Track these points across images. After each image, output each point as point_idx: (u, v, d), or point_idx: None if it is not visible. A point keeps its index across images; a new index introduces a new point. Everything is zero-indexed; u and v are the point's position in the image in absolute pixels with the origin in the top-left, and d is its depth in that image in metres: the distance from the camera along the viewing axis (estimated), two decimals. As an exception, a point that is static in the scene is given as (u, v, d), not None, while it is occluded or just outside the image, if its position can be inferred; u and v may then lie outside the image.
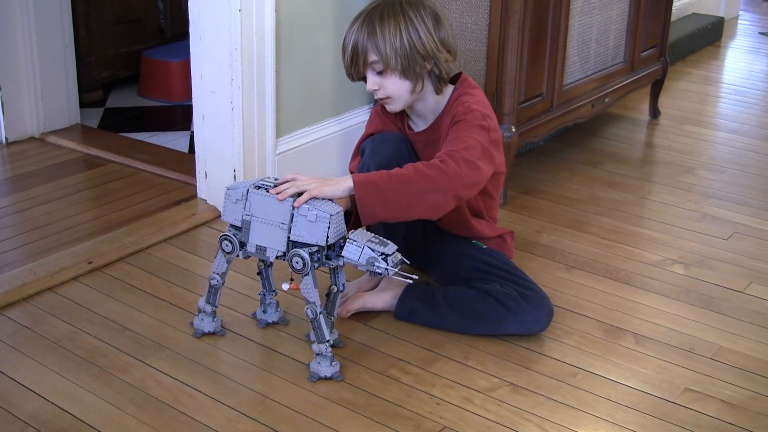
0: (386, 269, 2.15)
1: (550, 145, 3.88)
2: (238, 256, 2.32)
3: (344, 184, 2.23)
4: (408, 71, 2.35)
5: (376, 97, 2.43)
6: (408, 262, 2.26)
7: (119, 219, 3.06)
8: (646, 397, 2.25)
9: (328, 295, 2.33)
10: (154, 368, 2.29)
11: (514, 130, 3.17)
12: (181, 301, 2.59)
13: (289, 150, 3.18)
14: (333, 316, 2.33)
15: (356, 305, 2.52)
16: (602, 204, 3.33)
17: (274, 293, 2.47)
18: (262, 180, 2.31)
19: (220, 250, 2.34)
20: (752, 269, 2.89)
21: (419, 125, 2.52)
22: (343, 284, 2.32)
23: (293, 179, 2.26)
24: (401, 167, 2.26)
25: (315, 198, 2.21)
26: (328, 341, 2.24)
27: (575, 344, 2.46)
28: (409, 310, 2.48)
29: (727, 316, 2.62)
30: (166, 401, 2.17)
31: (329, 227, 2.18)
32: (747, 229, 3.16)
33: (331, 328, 2.30)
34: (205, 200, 3.17)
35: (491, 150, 2.36)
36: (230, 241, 2.30)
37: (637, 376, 2.33)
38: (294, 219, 2.21)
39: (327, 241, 2.19)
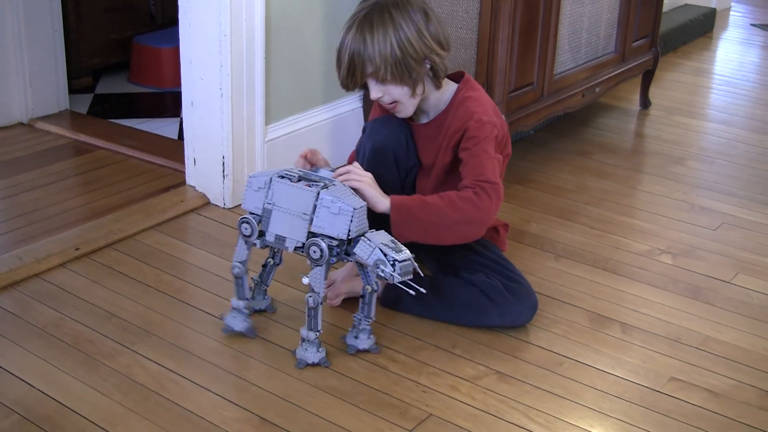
0: (392, 275, 2.13)
1: (541, 135, 3.88)
2: (255, 244, 2.30)
3: (384, 201, 2.30)
4: (405, 78, 2.35)
5: (382, 103, 2.43)
6: (422, 275, 2.24)
7: (107, 205, 3.05)
8: (632, 386, 2.26)
9: (362, 296, 2.30)
10: (141, 355, 2.29)
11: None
12: (169, 288, 2.59)
13: (278, 137, 3.18)
14: (371, 318, 2.31)
15: (345, 289, 2.52)
16: (592, 194, 3.33)
17: (266, 286, 2.46)
18: (285, 170, 2.29)
19: (240, 237, 2.31)
20: (740, 260, 2.89)
21: (421, 118, 2.52)
22: (376, 283, 2.28)
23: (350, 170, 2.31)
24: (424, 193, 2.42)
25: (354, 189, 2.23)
26: (318, 330, 2.23)
27: (562, 333, 2.46)
28: (396, 297, 2.48)
29: (713, 306, 2.63)
30: (151, 388, 2.17)
31: (351, 221, 2.16)
32: (735, 219, 3.17)
33: (368, 333, 2.33)
34: (194, 187, 3.16)
35: (502, 162, 2.46)
36: (249, 224, 2.28)
37: (623, 365, 2.34)
38: (316, 210, 2.19)
39: (348, 235, 2.17)
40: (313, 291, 2.22)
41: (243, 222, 2.29)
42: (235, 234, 2.89)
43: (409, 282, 2.17)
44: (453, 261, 2.52)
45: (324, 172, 2.33)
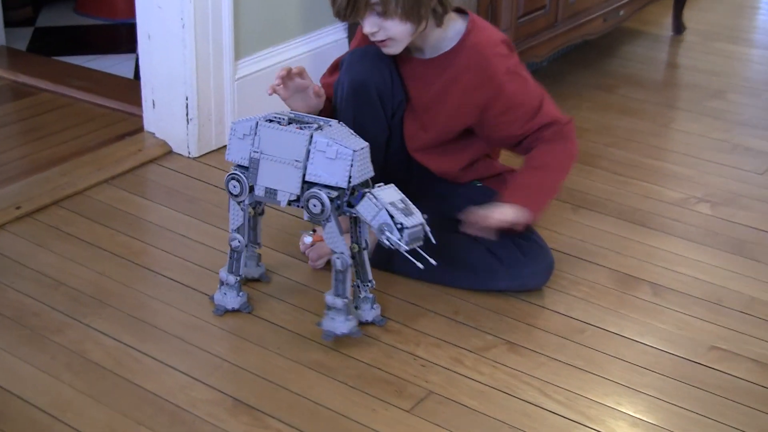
0: (398, 242, 2.11)
1: (555, 67, 3.87)
2: (242, 202, 2.29)
3: (512, 209, 2.39)
4: (413, 13, 2.34)
5: (373, 39, 2.41)
6: (435, 242, 2.21)
7: (52, 157, 3.04)
8: (666, 357, 2.26)
9: (351, 256, 2.26)
10: (94, 329, 2.29)
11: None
12: (127, 251, 2.59)
13: (250, 74, 3.17)
14: (369, 281, 2.31)
15: (328, 249, 2.51)
16: (616, 134, 3.33)
17: (258, 245, 2.43)
18: (274, 113, 2.27)
19: (230, 199, 2.29)
20: (789, 208, 2.90)
21: (413, 54, 2.51)
22: (367, 241, 2.27)
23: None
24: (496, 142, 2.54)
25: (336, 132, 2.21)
26: (346, 297, 2.22)
27: (583, 296, 2.46)
28: (388, 257, 2.48)
29: (760, 262, 2.63)
30: (107, 367, 2.17)
31: (352, 165, 2.14)
32: (784, 161, 3.18)
33: (372, 302, 2.33)
34: (153, 133, 3.15)
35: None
36: (238, 180, 2.26)
37: (654, 333, 2.34)
38: (310, 155, 2.17)
39: (349, 183, 2.15)
40: (334, 252, 2.20)
41: (231, 178, 2.27)
42: (203, 187, 2.90)
43: (418, 250, 2.16)
44: (453, 213, 2.52)
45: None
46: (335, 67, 2.56)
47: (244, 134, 2.25)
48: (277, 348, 2.25)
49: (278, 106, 2.98)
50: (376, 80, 2.44)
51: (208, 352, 2.23)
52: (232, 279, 2.34)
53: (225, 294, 2.36)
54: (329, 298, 2.23)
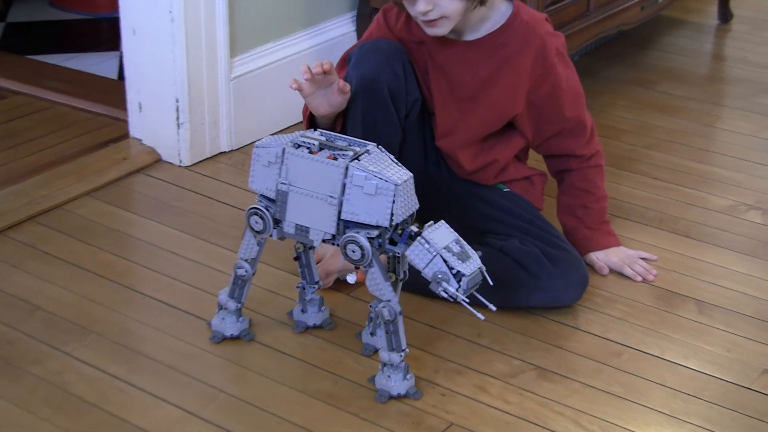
0: (456, 294, 2.06)
1: (587, 61, 3.88)
2: (271, 236, 2.26)
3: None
4: None
5: (424, 19, 2.42)
6: (491, 283, 2.15)
7: (28, 167, 3.05)
8: (713, 382, 2.26)
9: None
10: (76, 358, 2.29)
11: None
12: (111, 271, 2.60)
13: (248, 73, 3.18)
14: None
15: (337, 267, 2.51)
16: (655, 135, 3.33)
17: (317, 286, 2.40)
18: (302, 135, 2.22)
19: (248, 229, 2.27)
20: None
21: (454, 36, 2.52)
22: (405, 272, 2.24)
23: None
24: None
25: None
26: (403, 350, 2.18)
27: (620, 315, 2.47)
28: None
29: (817, 275, 2.64)
30: (90, 400, 2.17)
31: (394, 201, 2.09)
32: (844, 163, 3.18)
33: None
34: (140, 140, 3.16)
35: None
36: (261, 217, 2.23)
37: (700, 355, 2.34)
38: (346, 190, 2.13)
39: (391, 221, 2.11)
40: (380, 300, 2.15)
41: (253, 214, 2.23)
42: (196, 199, 2.91)
43: (477, 296, 2.11)
44: (476, 223, 2.52)
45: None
46: (344, 61, 2.57)
47: (269, 161, 2.20)
48: (281, 377, 2.25)
49: (284, 108, 3.02)
50: (388, 77, 2.45)
51: (204, 382, 2.23)
52: (232, 305, 2.33)
53: (223, 319, 2.35)
54: (383, 354, 2.17)
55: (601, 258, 2.62)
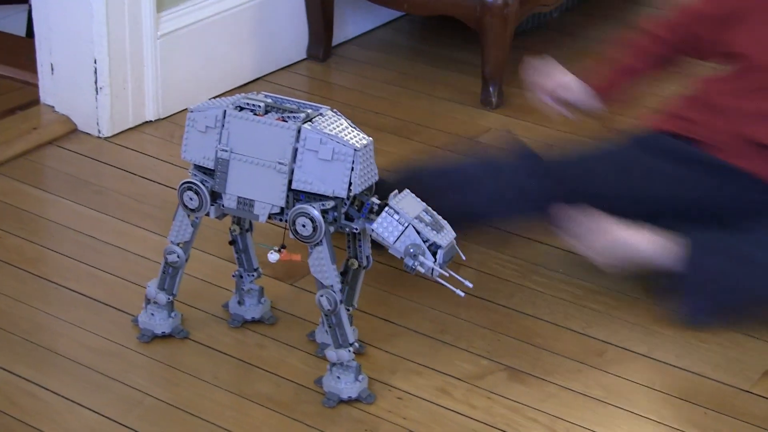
0: (432, 268, 2.08)
1: (568, 19, 3.89)
2: (207, 214, 2.25)
3: None
4: None
5: None
6: (464, 258, 2.19)
7: None
8: (708, 384, 2.29)
9: (344, 273, 2.27)
10: (-21, 357, 2.31)
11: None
12: (19, 258, 2.61)
13: (176, 30, 3.18)
14: (352, 305, 2.29)
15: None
16: (649, 105, 3.34)
17: (255, 273, 2.41)
18: (245, 97, 2.22)
19: (180, 207, 2.26)
20: None
21: None
22: (368, 257, 2.25)
23: None
24: None
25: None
26: (351, 344, 2.19)
27: (602, 309, 2.50)
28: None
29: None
30: (-3, 405, 2.19)
31: (353, 169, 2.10)
32: None
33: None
34: (53, 107, 3.17)
35: None
36: (197, 192, 2.22)
37: (694, 354, 2.37)
38: (298, 156, 2.13)
39: (349, 191, 2.12)
40: (321, 285, 2.16)
41: (187, 188, 2.22)
42: (117, 175, 2.91)
43: (452, 273, 2.11)
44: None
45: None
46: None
47: (206, 126, 2.20)
48: (214, 378, 2.26)
49: (218, 71, 2.98)
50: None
51: (126, 384, 2.24)
52: (163, 298, 2.32)
53: (153, 315, 2.35)
54: (330, 353, 2.18)
55: None
